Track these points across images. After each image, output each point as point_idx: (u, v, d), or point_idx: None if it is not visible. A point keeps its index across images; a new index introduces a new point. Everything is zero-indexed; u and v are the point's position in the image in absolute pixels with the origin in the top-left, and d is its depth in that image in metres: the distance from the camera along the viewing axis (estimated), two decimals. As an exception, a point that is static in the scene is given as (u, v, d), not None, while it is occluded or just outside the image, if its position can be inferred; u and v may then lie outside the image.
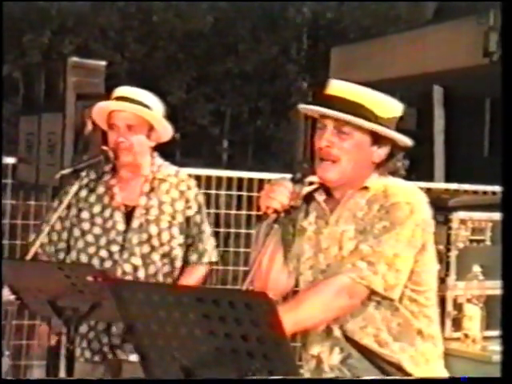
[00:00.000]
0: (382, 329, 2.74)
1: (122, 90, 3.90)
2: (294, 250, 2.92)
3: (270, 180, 5.61)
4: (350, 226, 2.77)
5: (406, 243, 2.69)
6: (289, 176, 2.80)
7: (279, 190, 2.74)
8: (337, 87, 2.79)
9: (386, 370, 2.72)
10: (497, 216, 4.76)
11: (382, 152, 2.79)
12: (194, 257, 3.95)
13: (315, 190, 2.90)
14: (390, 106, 2.80)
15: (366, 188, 2.79)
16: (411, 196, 2.74)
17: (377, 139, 2.77)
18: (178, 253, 3.89)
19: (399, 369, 2.73)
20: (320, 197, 2.88)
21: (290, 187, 2.75)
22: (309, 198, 2.92)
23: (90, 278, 3.13)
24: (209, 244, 3.97)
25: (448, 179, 12.79)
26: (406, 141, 2.80)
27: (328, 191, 2.87)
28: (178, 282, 3.86)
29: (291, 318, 2.51)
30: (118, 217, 3.86)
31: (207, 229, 3.99)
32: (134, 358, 3.51)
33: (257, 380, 2.31)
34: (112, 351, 3.81)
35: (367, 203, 2.76)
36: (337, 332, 2.76)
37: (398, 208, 2.70)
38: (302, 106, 2.87)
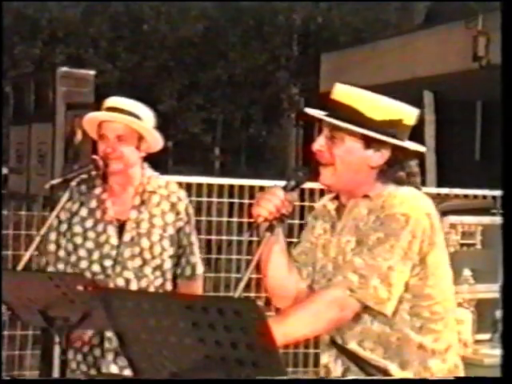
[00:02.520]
0: (380, 343, 2.69)
1: (112, 101, 3.90)
2: (309, 257, 2.90)
3: (261, 187, 5.62)
4: (352, 237, 2.73)
5: (401, 256, 2.61)
6: (282, 184, 2.79)
7: (269, 199, 2.71)
8: (337, 91, 2.76)
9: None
10: (487, 220, 4.77)
11: (379, 156, 2.72)
12: (188, 270, 3.96)
13: (332, 199, 2.87)
14: (388, 109, 2.72)
15: (368, 197, 2.74)
16: (408, 207, 2.65)
17: (369, 143, 2.71)
18: (169, 265, 3.90)
19: None
20: (331, 205, 2.86)
21: (281, 195, 2.72)
22: (324, 207, 2.90)
23: (80, 288, 3.13)
24: (197, 256, 4.00)
25: (439, 183, 12.83)
26: (401, 144, 2.73)
27: (339, 199, 2.84)
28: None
29: (280, 330, 2.46)
30: (112, 231, 3.85)
31: (196, 240, 4.01)
32: (127, 372, 3.51)
33: (256, 380, 2.31)
34: (105, 366, 3.82)
35: (367, 214, 2.72)
36: (350, 347, 2.73)
37: (393, 219, 2.63)
38: (304, 110, 2.86)
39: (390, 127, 2.71)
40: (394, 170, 2.74)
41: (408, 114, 2.77)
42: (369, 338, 2.70)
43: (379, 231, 2.64)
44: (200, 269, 4.01)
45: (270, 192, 2.74)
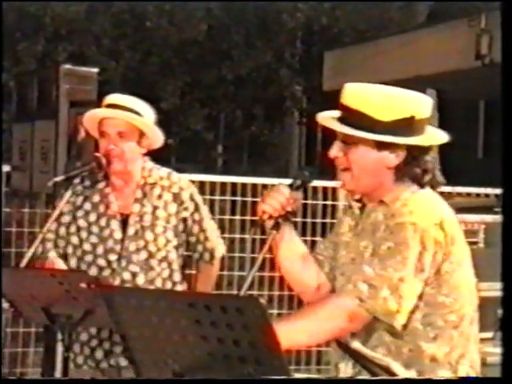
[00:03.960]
0: (392, 353, 2.65)
1: (112, 98, 3.91)
2: (334, 253, 2.89)
3: (263, 185, 5.63)
4: (369, 243, 2.70)
5: (412, 268, 2.57)
6: (288, 182, 2.79)
7: (274, 196, 2.73)
8: (346, 94, 2.73)
9: None
10: (490, 218, 4.77)
11: (394, 156, 2.69)
12: (207, 256, 4.01)
13: (357, 199, 2.85)
14: (397, 108, 2.67)
15: (384, 202, 2.72)
16: (418, 216, 2.60)
17: (383, 146, 2.68)
18: (175, 255, 3.92)
19: None
20: (356, 204, 2.84)
21: (286, 193, 2.73)
22: (351, 206, 2.88)
23: (83, 285, 3.13)
24: (215, 239, 4.04)
25: (442, 182, 12.79)
26: (417, 142, 2.68)
27: (362, 201, 2.82)
28: (194, 280, 4.03)
29: (284, 334, 2.41)
30: (115, 225, 3.86)
31: (209, 225, 4.02)
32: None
33: (256, 380, 2.31)
34: (113, 359, 3.83)
35: (381, 221, 2.69)
36: (353, 345, 2.71)
37: (402, 228, 2.59)
38: (318, 118, 2.82)
39: (403, 126, 2.67)
40: (410, 167, 2.71)
41: (419, 109, 2.72)
42: (382, 345, 2.67)
43: (389, 240, 2.61)
44: (219, 251, 4.06)
45: (275, 190, 2.75)
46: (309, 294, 2.88)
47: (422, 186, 2.73)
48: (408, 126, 2.68)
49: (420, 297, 2.62)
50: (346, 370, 2.76)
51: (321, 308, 2.63)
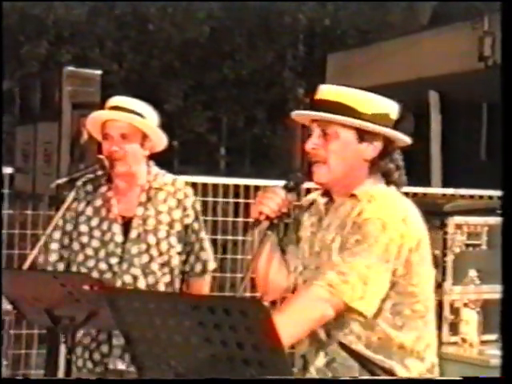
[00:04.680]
0: (362, 341, 2.73)
1: (115, 100, 3.91)
2: (296, 250, 2.94)
3: (266, 187, 5.67)
4: (337, 235, 2.78)
5: (378, 257, 2.66)
6: (282, 183, 2.83)
7: (269, 197, 2.77)
8: (322, 91, 2.83)
9: (375, 373, 2.72)
10: (493, 220, 4.77)
11: (372, 149, 2.79)
12: (198, 267, 3.97)
13: (322, 194, 2.92)
14: (375, 103, 2.79)
15: (354, 196, 2.80)
16: (383, 213, 2.71)
17: (363, 136, 2.77)
18: (177, 261, 3.91)
19: (391, 373, 2.72)
20: (321, 199, 2.91)
21: (281, 194, 2.78)
22: (314, 201, 2.95)
23: (86, 287, 3.13)
24: (209, 252, 3.99)
25: (445, 184, 12.81)
26: (394, 135, 2.79)
27: (329, 195, 2.89)
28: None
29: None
30: (116, 229, 3.86)
31: (205, 236, 4.01)
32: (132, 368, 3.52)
33: (256, 380, 2.31)
34: (112, 362, 3.83)
35: (350, 218, 2.76)
36: (322, 335, 2.77)
37: (370, 223, 2.69)
38: (293, 113, 2.92)
39: (380, 120, 2.77)
40: (385, 162, 2.81)
41: (392, 109, 2.83)
42: (352, 333, 2.73)
43: (357, 234, 2.69)
44: (211, 265, 4.02)
45: (271, 191, 2.80)
46: (276, 294, 2.95)
47: (389, 182, 2.83)
48: (385, 121, 2.78)
49: (391, 287, 2.70)
50: (317, 360, 2.79)
51: (297, 300, 2.69)
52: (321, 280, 2.66)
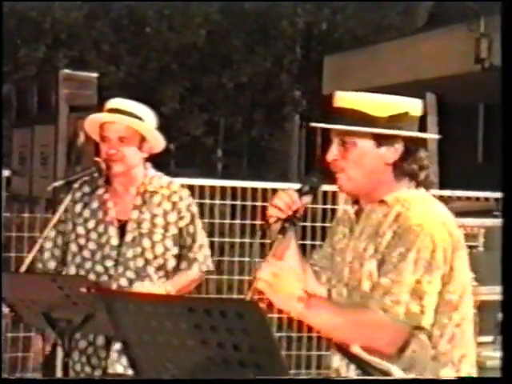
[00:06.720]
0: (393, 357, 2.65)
1: (113, 102, 3.91)
2: (329, 261, 2.91)
3: (263, 189, 5.60)
4: (371, 245, 2.72)
5: (425, 267, 2.59)
6: (296, 187, 2.80)
7: (281, 199, 2.74)
8: (338, 98, 2.79)
9: None
10: (489, 222, 4.77)
11: (392, 151, 2.73)
12: (183, 264, 3.94)
13: (352, 203, 2.87)
14: (392, 105, 2.74)
15: (384, 202, 2.74)
16: (421, 218, 2.64)
17: (381, 141, 2.73)
18: (173, 264, 3.90)
19: None
20: (351, 209, 2.87)
21: (294, 197, 2.74)
22: (345, 211, 2.90)
23: (83, 290, 3.13)
24: (200, 253, 3.98)
25: (442, 185, 12.81)
26: (414, 134, 2.74)
27: (358, 203, 2.84)
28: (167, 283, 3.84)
29: (334, 321, 2.57)
30: (112, 232, 3.86)
31: (200, 238, 3.99)
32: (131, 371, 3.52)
33: (256, 380, 2.31)
34: (110, 366, 3.82)
35: (383, 226, 2.70)
36: (355, 349, 2.70)
37: (410, 231, 2.61)
38: (311, 124, 2.89)
39: (398, 122, 2.73)
40: (408, 163, 2.75)
41: (412, 106, 2.78)
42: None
43: (399, 246, 2.62)
44: (196, 266, 3.94)
45: (284, 193, 2.76)
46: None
47: (418, 184, 2.77)
48: (403, 121, 2.74)
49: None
50: (349, 374, 2.76)
51: (366, 315, 2.62)
52: (374, 305, 2.60)
